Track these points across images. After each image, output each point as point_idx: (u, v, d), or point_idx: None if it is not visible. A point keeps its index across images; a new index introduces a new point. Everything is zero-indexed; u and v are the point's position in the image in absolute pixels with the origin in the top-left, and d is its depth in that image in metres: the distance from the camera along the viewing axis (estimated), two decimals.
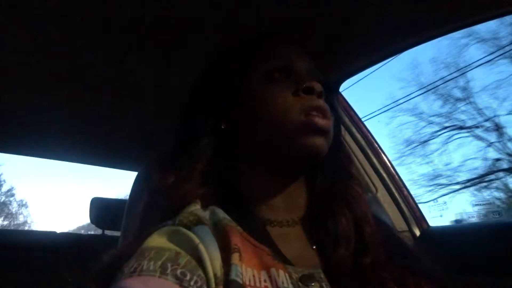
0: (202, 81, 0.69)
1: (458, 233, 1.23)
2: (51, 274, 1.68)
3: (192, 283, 0.42)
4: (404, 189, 1.28)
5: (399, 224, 1.23)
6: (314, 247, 0.58)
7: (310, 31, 0.82)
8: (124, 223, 0.84)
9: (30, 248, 1.73)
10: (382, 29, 0.87)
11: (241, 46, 0.68)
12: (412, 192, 1.31)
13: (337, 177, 0.64)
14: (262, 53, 0.64)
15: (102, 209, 1.93)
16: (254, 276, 0.47)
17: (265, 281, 0.47)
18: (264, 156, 0.61)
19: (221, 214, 0.54)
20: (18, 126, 1.37)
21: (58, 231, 1.89)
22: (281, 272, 0.49)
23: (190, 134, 0.63)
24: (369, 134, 1.27)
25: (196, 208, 0.54)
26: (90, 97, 1.17)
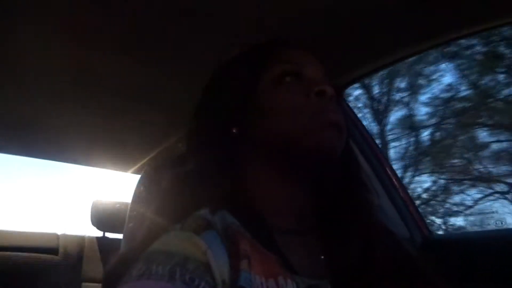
0: (213, 86, 0.68)
1: (460, 240, 1.23)
2: (52, 275, 1.68)
3: None
4: (405, 195, 1.28)
5: (400, 231, 1.23)
6: (322, 257, 0.57)
7: (316, 36, 0.82)
8: (126, 225, 0.84)
9: (31, 250, 1.73)
10: (387, 35, 0.87)
11: (252, 50, 0.68)
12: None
13: (346, 184, 0.63)
14: (273, 57, 0.64)
15: (103, 212, 1.94)
16: (262, 283, 0.46)
17: None
18: (276, 160, 0.60)
19: (230, 219, 0.53)
20: (21, 128, 1.37)
21: (59, 233, 1.89)
22: (289, 281, 0.48)
23: (201, 138, 0.62)
24: (370, 139, 1.27)
25: (205, 212, 0.53)
26: (93, 99, 1.18)
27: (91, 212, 1.95)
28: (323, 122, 0.57)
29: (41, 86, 1.09)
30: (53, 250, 1.78)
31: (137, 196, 0.86)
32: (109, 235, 1.99)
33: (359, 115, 1.29)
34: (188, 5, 0.75)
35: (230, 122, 0.62)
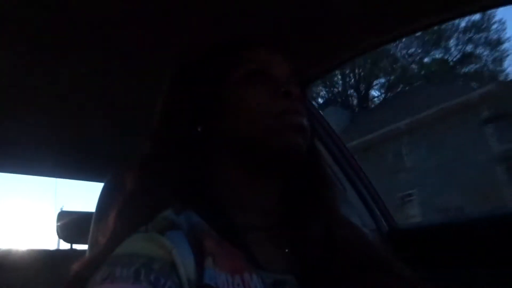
0: (177, 85, 0.67)
1: (425, 229, 1.28)
2: None
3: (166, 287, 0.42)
4: (371, 188, 1.32)
5: (367, 222, 1.26)
6: (287, 250, 0.58)
7: (276, 33, 0.82)
8: (91, 234, 0.82)
9: None
10: (347, 29, 0.88)
11: (217, 49, 0.67)
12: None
13: (311, 181, 0.64)
14: (239, 56, 0.63)
15: (70, 223, 1.87)
16: (227, 280, 0.47)
17: (238, 285, 0.47)
18: (241, 159, 0.60)
19: (195, 218, 0.53)
20: None
21: (23, 248, 1.81)
22: (254, 276, 0.49)
23: (165, 138, 0.61)
24: (334, 135, 1.30)
25: (169, 213, 0.53)
26: (54, 106, 1.14)
27: (57, 224, 1.88)
28: (288, 124, 0.57)
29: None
30: (17, 266, 1.71)
31: (101, 204, 0.84)
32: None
33: None
34: (146, 7, 0.74)
35: (195, 121, 0.61)
